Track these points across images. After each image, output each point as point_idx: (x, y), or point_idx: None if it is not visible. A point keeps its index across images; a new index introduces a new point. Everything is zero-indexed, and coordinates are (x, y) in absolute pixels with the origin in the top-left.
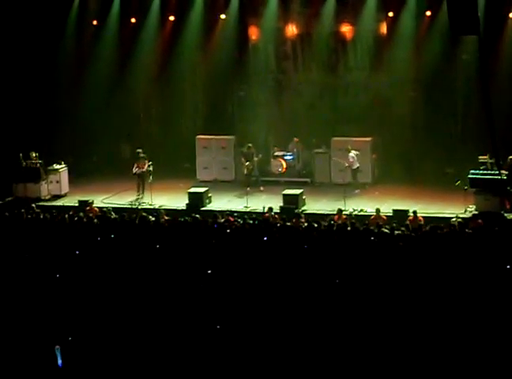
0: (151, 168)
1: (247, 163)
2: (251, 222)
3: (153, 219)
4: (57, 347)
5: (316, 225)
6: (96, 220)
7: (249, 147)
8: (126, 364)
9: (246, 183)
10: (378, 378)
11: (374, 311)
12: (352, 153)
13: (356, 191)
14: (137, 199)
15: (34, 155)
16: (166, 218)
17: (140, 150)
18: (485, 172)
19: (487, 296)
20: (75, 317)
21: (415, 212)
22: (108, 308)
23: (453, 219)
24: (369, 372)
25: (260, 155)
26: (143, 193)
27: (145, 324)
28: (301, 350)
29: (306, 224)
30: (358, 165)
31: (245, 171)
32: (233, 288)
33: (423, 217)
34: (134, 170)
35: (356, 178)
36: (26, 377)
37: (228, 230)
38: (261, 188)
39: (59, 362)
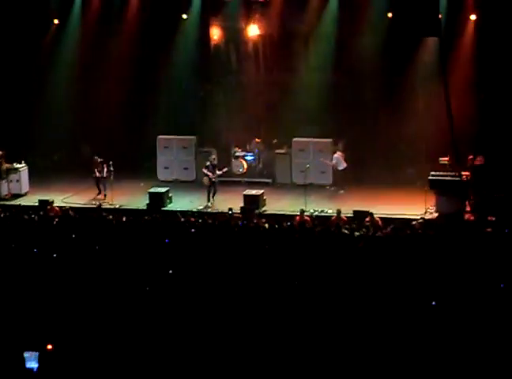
0: (111, 168)
1: (206, 178)
2: (211, 222)
3: (114, 218)
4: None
5: (276, 226)
6: (56, 220)
7: (214, 158)
8: (93, 361)
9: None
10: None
11: (334, 311)
12: (338, 154)
13: (341, 191)
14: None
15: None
16: (125, 218)
17: (96, 157)
18: (445, 173)
19: (446, 296)
20: (37, 316)
21: (371, 214)
22: (71, 308)
23: (414, 222)
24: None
25: (225, 169)
26: (105, 194)
27: (107, 324)
28: (261, 350)
29: (266, 225)
30: (345, 165)
31: (206, 183)
32: (194, 288)
33: (382, 218)
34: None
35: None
36: None
37: (193, 230)
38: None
39: (35, 366)
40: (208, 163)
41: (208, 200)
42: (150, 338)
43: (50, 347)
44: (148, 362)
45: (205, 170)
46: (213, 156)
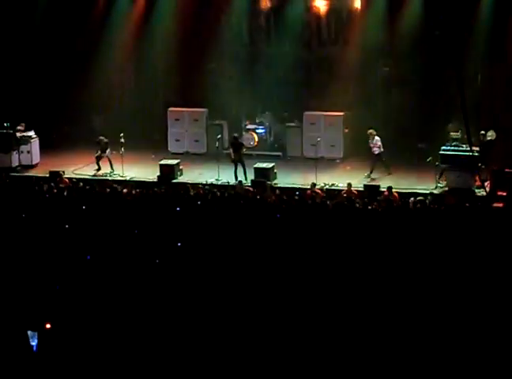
0: (122, 140)
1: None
2: (219, 194)
3: (124, 190)
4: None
5: (286, 198)
6: (66, 191)
7: (235, 137)
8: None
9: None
10: (340, 353)
11: (344, 285)
12: (377, 138)
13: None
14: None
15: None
16: (137, 190)
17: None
18: (456, 148)
19: (455, 270)
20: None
21: (390, 188)
22: (80, 282)
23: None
24: (332, 345)
25: (252, 143)
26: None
27: (114, 299)
28: (270, 324)
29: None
30: (380, 150)
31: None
32: (203, 260)
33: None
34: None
35: (376, 165)
36: None
37: (199, 202)
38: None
39: (34, 346)
40: (232, 140)
41: (236, 179)
42: (159, 311)
43: (48, 325)
44: (158, 331)
45: (231, 150)
46: (236, 134)
